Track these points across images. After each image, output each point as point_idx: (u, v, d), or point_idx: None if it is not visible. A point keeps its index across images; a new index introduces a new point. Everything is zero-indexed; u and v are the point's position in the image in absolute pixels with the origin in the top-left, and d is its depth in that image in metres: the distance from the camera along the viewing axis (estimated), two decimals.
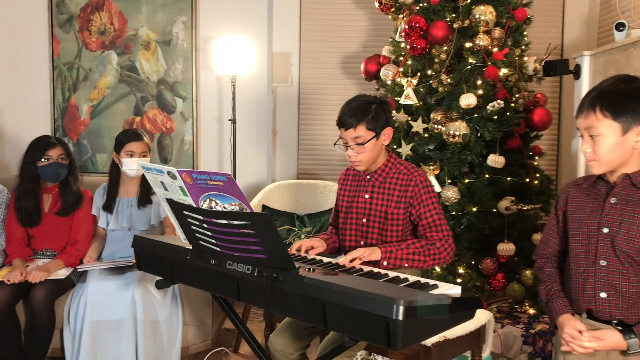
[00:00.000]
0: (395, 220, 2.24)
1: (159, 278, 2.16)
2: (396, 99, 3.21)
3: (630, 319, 1.63)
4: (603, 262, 1.65)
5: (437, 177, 3.10)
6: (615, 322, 1.64)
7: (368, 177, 2.30)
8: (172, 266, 2.07)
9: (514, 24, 3.26)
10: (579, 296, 1.71)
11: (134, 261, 2.56)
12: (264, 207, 3.61)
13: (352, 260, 2.06)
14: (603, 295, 1.65)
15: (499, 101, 3.06)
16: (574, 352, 1.65)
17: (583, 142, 1.66)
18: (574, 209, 1.76)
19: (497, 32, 3.17)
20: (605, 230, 1.65)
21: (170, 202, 1.94)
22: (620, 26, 2.97)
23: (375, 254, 2.10)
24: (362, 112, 2.17)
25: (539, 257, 1.91)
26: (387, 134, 2.23)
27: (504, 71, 3.16)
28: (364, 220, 2.30)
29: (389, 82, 3.32)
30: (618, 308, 1.64)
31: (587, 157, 1.66)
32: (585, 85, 3.35)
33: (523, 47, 3.30)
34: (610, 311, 1.65)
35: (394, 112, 3.18)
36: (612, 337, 1.61)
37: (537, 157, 3.34)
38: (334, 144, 2.30)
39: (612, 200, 1.66)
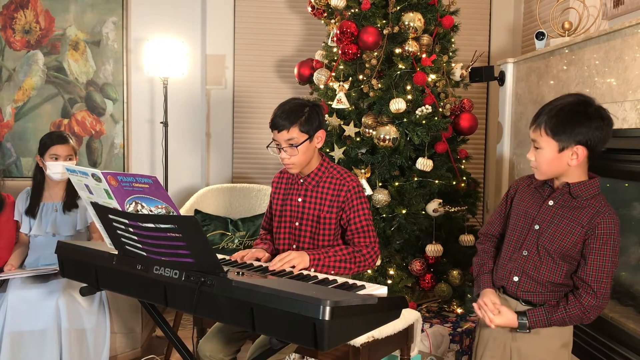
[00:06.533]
0: (327, 224, 2.25)
1: (84, 285, 2.11)
2: (329, 103, 3.25)
3: (535, 300, 1.88)
4: (525, 252, 1.89)
5: (369, 180, 3.15)
6: (522, 301, 1.90)
7: (301, 180, 2.30)
8: (97, 272, 2.01)
9: (442, 31, 3.35)
10: (499, 274, 1.96)
11: (58, 268, 2.47)
12: (197, 211, 3.56)
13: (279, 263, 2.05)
14: (515, 278, 1.91)
15: (427, 106, 3.13)
16: (482, 319, 1.90)
17: (530, 150, 1.87)
18: (518, 201, 1.98)
19: (426, 39, 3.25)
20: (536, 227, 1.88)
21: (94, 205, 1.89)
22: (540, 35, 3.11)
23: (304, 261, 2.09)
24: (295, 114, 2.17)
25: (482, 234, 2.11)
26: (320, 136, 2.24)
27: (432, 77, 3.25)
28: (297, 223, 2.30)
29: (321, 87, 3.35)
30: (525, 291, 1.89)
31: (531, 165, 1.87)
32: (509, 90, 3.48)
33: (450, 53, 3.40)
34: (517, 292, 1.91)
35: (326, 116, 3.21)
36: (508, 316, 1.86)
37: (464, 161, 3.44)
38: (267, 147, 2.30)
39: (550, 202, 1.87)
